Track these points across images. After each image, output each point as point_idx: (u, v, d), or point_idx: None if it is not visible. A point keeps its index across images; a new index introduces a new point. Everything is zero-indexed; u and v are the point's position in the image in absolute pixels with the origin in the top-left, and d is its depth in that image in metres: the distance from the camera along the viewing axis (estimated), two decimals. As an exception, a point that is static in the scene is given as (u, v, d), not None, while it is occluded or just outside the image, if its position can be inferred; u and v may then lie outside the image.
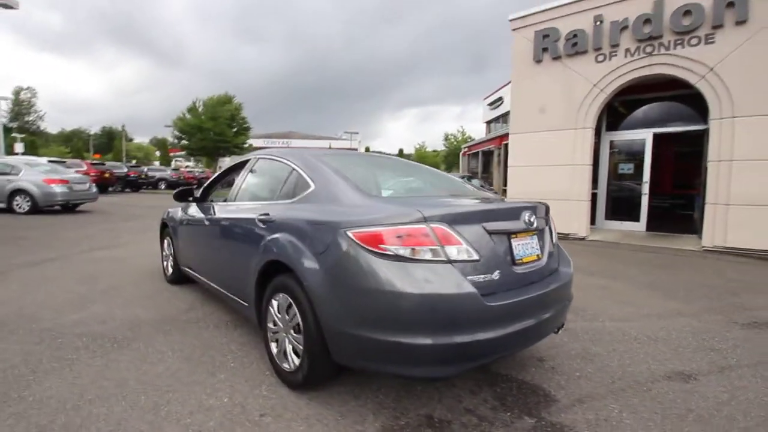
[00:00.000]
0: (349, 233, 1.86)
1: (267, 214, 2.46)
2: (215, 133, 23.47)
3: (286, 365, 2.24)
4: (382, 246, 1.77)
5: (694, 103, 7.56)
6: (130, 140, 67.36)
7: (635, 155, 8.50)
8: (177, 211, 4.22)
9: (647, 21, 6.83)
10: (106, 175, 18.65)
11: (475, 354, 1.77)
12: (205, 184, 3.87)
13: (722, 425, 1.98)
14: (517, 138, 8.73)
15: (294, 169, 2.57)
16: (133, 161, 40.86)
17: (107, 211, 11.51)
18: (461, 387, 2.30)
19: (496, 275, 1.87)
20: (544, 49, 8.05)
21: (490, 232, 1.93)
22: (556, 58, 7.94)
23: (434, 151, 46.83)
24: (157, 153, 63.56)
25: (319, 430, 1.91)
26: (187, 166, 44.48)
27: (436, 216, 1.80)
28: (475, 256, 1.82)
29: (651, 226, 8.38)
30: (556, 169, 8.05)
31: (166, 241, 4.47)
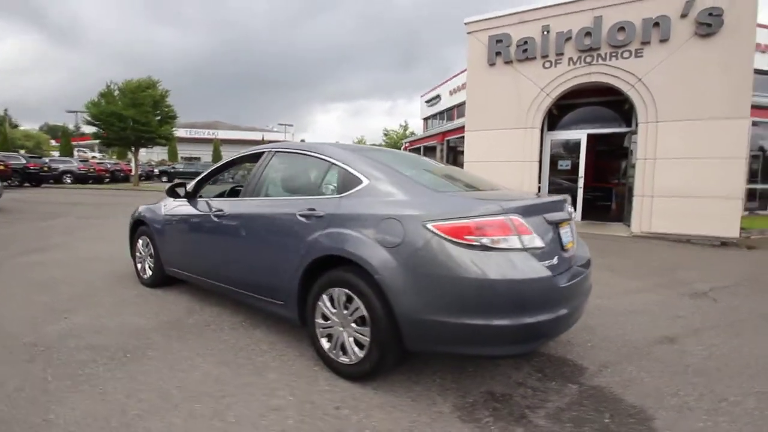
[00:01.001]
0: (430, 226, 1.95)
1: (313, 209, 2.42)
2: (136, 122, 21.00)
3: (344, 359, 2.25)
4: (467, 237, 1.88)
5: (619, 108, 8.72)
6: (15, 127, 57.46)
7: (571, 153, 9.54)
8: (158, 207, 3.86)
9: (588, 34, 7.71)
10: (1, 167, 15.90)
11: (547, 332, 1.98)
12: (197, 180, 3.61)
13: (715, 375, 2.43)
14: (473, 135, 9.28)
15: (334, 164, 2.55)
16: (22, 151, 34.77)
17: (16, 209, 9.89)
18: (504, 365, 2.51)
19: (555, 260, 2.09)
20: (497, 53, 8.64)
21: (548, 222, 2.15)
22: (508, 62, 8.58)
23: (373, 145, 47.47)
24: (53, 142, 55.05)
25: (399, 415, 1.98)
26: (93, 157, 39.17)
27: (512, 208, 1.97)
28: (541, 244, 2.02)
29: (584, 216, 9.50)
30: (509, 165, 8.73)
31: (141, 241, 4.06)
